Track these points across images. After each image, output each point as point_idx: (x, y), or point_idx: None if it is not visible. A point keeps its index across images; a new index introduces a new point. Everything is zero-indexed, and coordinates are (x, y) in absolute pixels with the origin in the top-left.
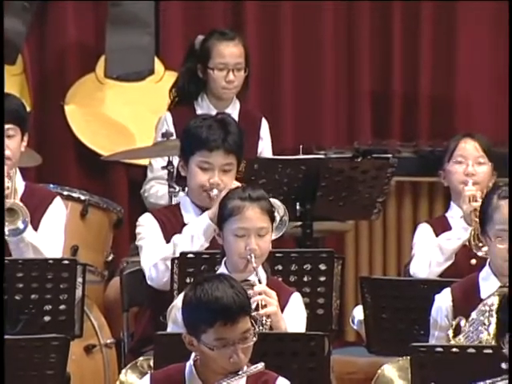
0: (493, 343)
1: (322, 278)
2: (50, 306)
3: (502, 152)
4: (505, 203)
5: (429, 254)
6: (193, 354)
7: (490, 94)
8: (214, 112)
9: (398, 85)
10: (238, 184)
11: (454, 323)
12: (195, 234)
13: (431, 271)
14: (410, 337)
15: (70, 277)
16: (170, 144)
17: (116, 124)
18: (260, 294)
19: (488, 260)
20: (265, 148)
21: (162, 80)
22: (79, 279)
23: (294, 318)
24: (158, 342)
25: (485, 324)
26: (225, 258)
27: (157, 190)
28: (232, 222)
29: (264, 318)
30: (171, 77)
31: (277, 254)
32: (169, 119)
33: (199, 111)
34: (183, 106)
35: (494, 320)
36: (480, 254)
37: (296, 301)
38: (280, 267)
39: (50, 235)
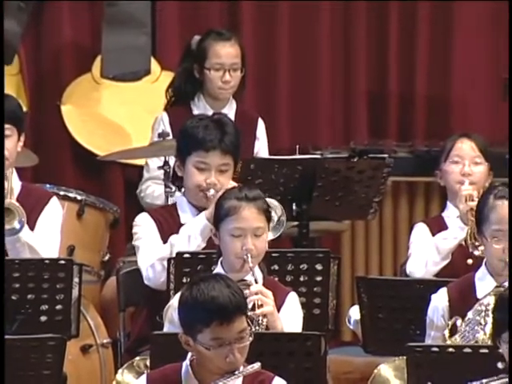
0: (489, 343)
1: (319, 278)
2: (47, 306)
3: (499, 152)
4: (501, 203)
5: (425, 253)
6: (189, 354)
7: (486, 94)
8: (210, 112)
9: (395, 85)
10: (234, 184)
11: (450, 323)
12: (192, 234)
13: (428, 271)
14: (406, 337)
15: (66, 277)
16: (167, 144)
17: (112, 124)
18: (256, 293)
19: (484, 260)
20: (261, 148)
21: (159, 80)
22: (76, 279)
23: (290, 317)
24: (154, 341)
25: (481, 324)
26: (221, 258)
27: (153, 190)
28: (228, 221)
29: (260, 318)
30: (167, 77)
31: (273, 254)
32: (165, 119)
33: (196, 111)
34: (180, 106)
35: (490, 320)
36: (477, 253)
37: (292, 301)
38: (276, 267)
39: (46, 235)
